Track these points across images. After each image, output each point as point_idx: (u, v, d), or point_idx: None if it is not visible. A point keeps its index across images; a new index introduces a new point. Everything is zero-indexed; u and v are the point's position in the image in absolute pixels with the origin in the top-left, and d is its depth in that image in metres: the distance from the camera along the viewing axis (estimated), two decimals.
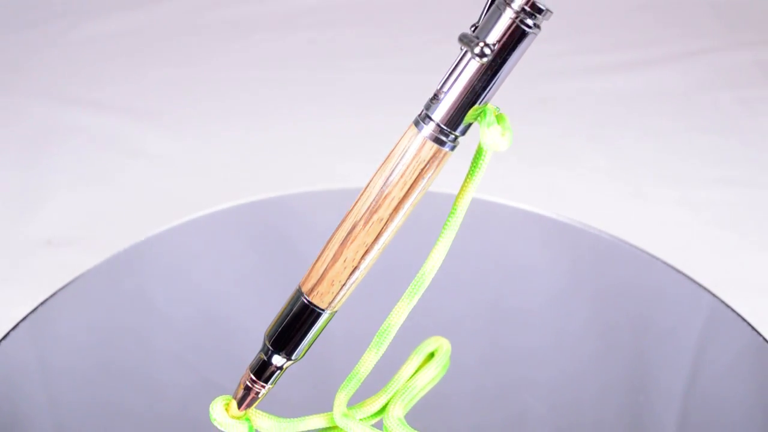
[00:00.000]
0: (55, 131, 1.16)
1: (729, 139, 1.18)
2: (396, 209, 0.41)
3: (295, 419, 0.48)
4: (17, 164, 1.10)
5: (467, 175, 0.43)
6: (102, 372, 0.58)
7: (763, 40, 1.40)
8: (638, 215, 1.03)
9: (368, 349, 0.45)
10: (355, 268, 0.42)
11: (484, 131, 0.41)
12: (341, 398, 0.47)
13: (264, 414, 0.47)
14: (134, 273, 0.67)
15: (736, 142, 1.17)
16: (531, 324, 0.62)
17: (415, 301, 0.44)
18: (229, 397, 0.47)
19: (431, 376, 0.51)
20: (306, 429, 0.48)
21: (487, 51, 0.38)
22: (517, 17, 0.38)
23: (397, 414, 0.49)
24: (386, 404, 0.50)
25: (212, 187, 1.06)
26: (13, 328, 0.58)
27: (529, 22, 0.38)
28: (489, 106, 0.41)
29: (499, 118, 0.42)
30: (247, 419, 0.47)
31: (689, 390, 0.57)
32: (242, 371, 0.46)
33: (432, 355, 0.52)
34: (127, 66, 1.33)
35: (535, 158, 1.14)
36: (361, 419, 0.49)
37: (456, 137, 0.41)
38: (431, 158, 0.41)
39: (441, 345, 0.52)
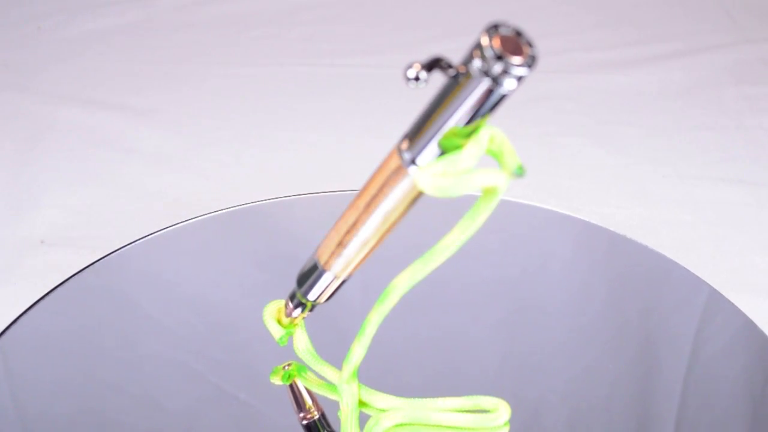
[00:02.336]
0: (49, 129, 1.16)
1: (733, 136, 1.18)
2: (368, 204, 0.42)
3: (320, 360, 0.51)
4: (10, 163, 1.09)
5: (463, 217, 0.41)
6: (95, 380, 0.57)
7: (767, 37, 1.40)
8: (641, 213, 1.03)
9: (354, 340, 0.48)
10: (340, 242, 0.45)
11: (423, 165, 0.38)
12: (346, 369, 0.49)
13: (305, 336, 0.52)
14: (128, 277, 0.67)
15: (739, 139, 1.17)
16: (545, 319, 0.63)
17: (387, 310, 0.46)
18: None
19: (460, 422, 0.50)
20: (319, 372, 0.52)
21: (422, 76, 0.36)
22: (477, 67, 0.35)
23: (383, 424, 0.49)
24: (389, 410, 0.49)
25: (208, 186, 1.06)
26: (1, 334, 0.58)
27: (495, 75, 0.34)
28: (474, 145, 0.38)
29: (496, 156, 0.38)
30: (290, 330, 0.51)
31: (689, 378, 0.59)
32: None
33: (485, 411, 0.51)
34: (122, 63, 1.33)
35: (536, 156, 1.13)
36: (362, 400, 0.50)
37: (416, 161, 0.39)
38: (394, 171, 0.40)
39: (498, 408, 0.50)
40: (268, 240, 0.71)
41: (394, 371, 0.52)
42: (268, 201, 0.73)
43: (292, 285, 0.52)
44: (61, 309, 0.62)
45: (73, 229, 0.98)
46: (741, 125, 1.20)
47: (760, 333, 0.59)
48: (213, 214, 0.71)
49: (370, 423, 0.49)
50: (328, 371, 0.51)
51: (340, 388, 0.49)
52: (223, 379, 0.56)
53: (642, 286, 0.67)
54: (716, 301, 0.63)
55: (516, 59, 0.35)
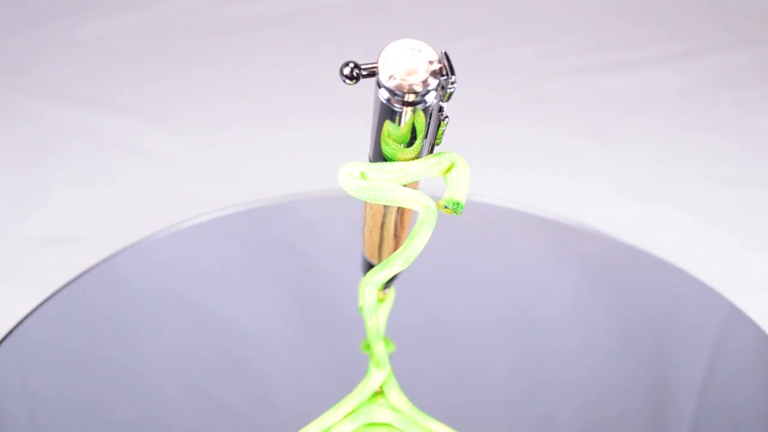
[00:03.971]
0: (57, 130, 1.16)
1: (728, 138, 1.18)
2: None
3: (379, 340, 0.49)
4: (19, 163, 1.10)
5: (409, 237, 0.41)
6: (100, 388, 0.57)
7: (763, 39, 1.40)
8: (637, 215, 1.03)
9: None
10: (362, 227, 0.45)
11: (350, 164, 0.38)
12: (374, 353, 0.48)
13: (381, 316, 0.51)
14: (134, 276, 0.66)
15: (735, 142, 1.18)
16: (552, 330, 0.63)
17: (366, 303, 0.46)
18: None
19: None
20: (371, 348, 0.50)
21: (356, 74, 0.36)
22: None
23: (375, 416, 0.49)
24: (391, 408, 0.50)
25: (214, 186, 1.06)
26: (3, 339, 0.58)
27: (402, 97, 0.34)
28: (414, 162, 0.38)
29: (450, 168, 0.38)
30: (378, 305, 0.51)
31: (705, 386, 0.58)
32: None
33: None
34: (128, 65, 1.34)
35: (534, 158, 1.14)
36: (382, 388, 0.49)
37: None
38: None
39: None
40: (275, 240, 0.71)
41: (404, 385, 0.52)
42: (273, 201, 0.73)
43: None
44: (68, 308, 0.61)
45: (81, 228, 0.99)
46: (737, 127, 1.21)
47: (762, 335, 0.59)
48: (219, 213, 0.71)
49: (364, 408, 0.49)
50: (383, 349, 0.51)
51: (371, 369, 0.50)
52: (227, 395, 0.56)
53: (651, 299, 0.66)
54: (724, 309, 0.62)
55: (411, 84, 0.34)
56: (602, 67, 1.34)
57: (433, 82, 0.34)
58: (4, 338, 0.57)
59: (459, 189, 0.37)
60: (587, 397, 0.57)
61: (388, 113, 0.35)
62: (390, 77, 0.34)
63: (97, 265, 0.65)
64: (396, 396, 0.49)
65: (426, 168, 0.37)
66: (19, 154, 1.12)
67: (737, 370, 0.59)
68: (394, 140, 0.37)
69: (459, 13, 1.50)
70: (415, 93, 0.34)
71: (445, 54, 0.35)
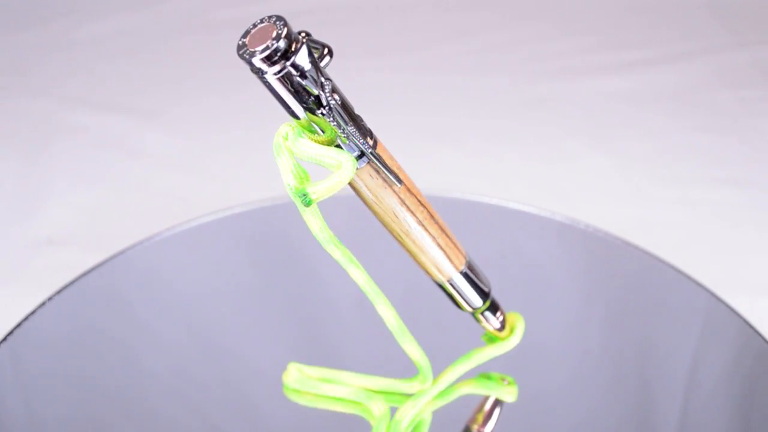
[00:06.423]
0: (56, 131, 1.16)
1: (728, 138, 1.18)
2: None
3: (409, 336, 0.48)
4: (18, 163, 1.10)
5: None
6: (98, 393, 0.56)
7: (762, 40, 1.40)
8: (637, 215, 1.03)
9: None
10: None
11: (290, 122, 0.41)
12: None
13: (487, 351, 0.52)
14: (133, 277, 0.66)
15: (735, 142, 1.18)
16: (550, 330, 0.63)
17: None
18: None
19: None
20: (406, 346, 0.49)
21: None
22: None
23: (372, 407, 0.48)
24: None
25: (213, 187, 1.06)
26: (3, 340, 0.57)
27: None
28: (313, 142, 0.40)
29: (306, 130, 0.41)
30: (493, 336, 0.52)
31: (690, 391, 0.58)
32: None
33: None
34: (127, 66, 1.34)
35: (535, 158, 1.14)
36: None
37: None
38: None
39: None
40: (275, 240, 0.70)
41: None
42: (273, 201, 0.72)
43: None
44: (68, 309, 0.61)
45: (81, 229, 0.99)
46: (735, 127, 1.21)
47: (759, 337, 0.58)
48: (219, 214, 0.71)
49: (381, 396, 0.50)
50: (415, 352, 0.50)
51: (418, 376, 0.50)
52: (220, 417, 0.55)
53: (642, 296, 0.66)
54: (716, 308, 0.62)
55: (246, 50, 0.37)
56: (602, 67, 1.34)
57: (261, 56, 0.38)
58: (4, 339, 0.57)
59: (321, 185, 0.39)
60: (579, 401, 0.58)
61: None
62: (241, 40, 0.38)
63: (97, 266, 0.65)
64: (410, 410, 0.49)
65: (317, 154, 0.40)
66: (19, 154, 1.12)
67: (732, 371, 0.59)
68: (291, 115, 0.39)
69: (458, 15, 1.50)
70: (247, 59, 0.37)
71: (306, 40, 0.39)
